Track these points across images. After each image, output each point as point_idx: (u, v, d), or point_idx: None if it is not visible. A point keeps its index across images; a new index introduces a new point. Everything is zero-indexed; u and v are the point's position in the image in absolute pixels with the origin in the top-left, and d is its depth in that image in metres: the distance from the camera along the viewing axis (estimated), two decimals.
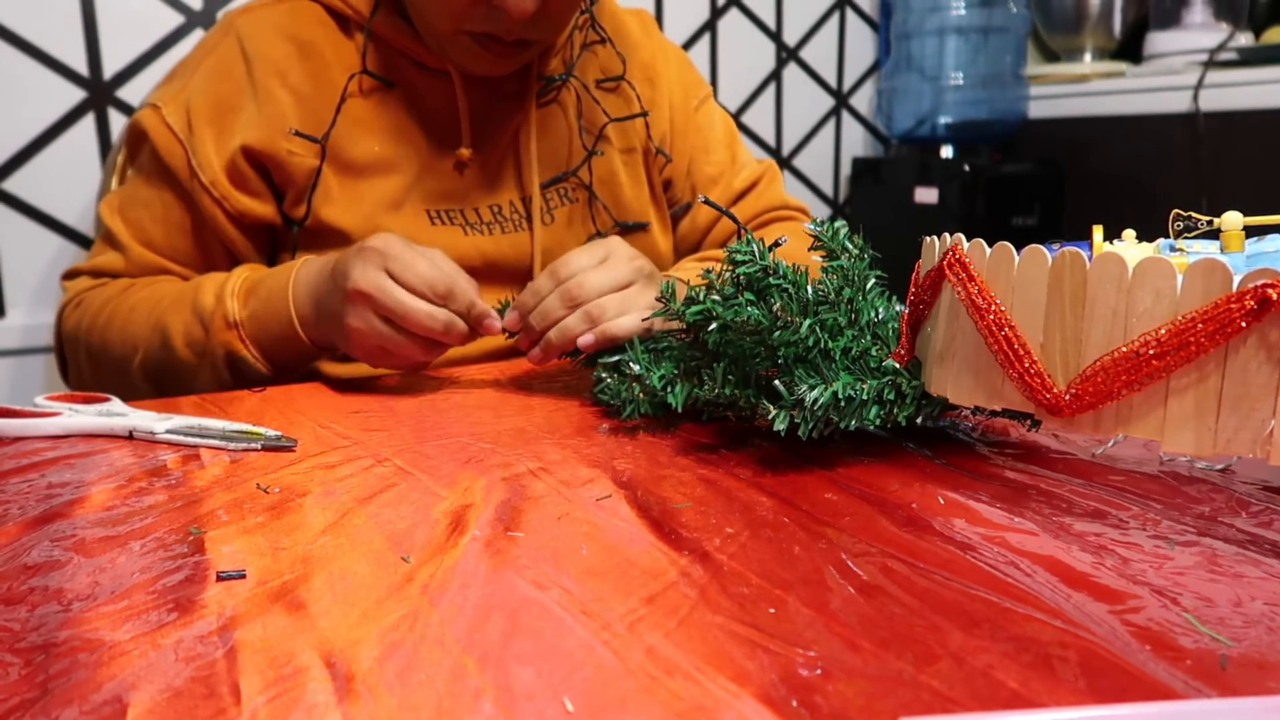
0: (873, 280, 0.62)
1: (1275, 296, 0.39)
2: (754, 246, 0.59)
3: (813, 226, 0.63)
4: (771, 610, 0.38)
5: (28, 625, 0.38)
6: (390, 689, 0.33)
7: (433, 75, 0.91)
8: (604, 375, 0.69)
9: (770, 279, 0.57)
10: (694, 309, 0.59)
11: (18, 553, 0.45)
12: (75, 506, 0.50)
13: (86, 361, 0.90)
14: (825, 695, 0.32)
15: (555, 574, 0.42)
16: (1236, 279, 0.40)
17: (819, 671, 0.34)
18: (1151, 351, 0.42)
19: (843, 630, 0.37)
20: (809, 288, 0.58)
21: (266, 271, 0.83)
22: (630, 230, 1.01)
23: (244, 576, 0.42)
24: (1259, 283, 0.40)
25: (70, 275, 0.95)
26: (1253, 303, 0.40)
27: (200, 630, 0.37)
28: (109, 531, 0.47)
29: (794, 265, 0.58)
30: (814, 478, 0.53)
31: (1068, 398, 0.45)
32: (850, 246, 0.63)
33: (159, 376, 0.85)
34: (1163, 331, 0.42)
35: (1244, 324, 0.40)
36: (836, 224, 0.64)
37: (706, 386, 0.60)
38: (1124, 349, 0.43)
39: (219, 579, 0.42)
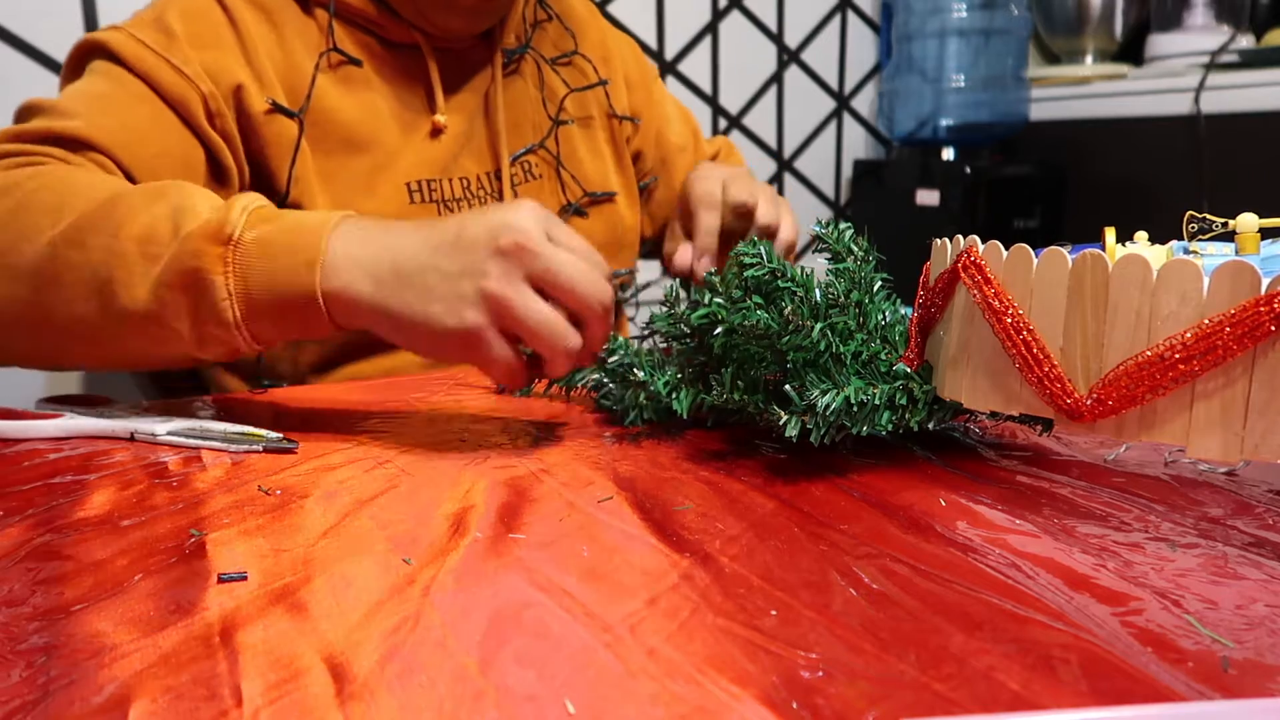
0: (879, 283, 0.61)
1: None
2: (761, 249, 0.58)
3: (817, 228, 0.63)
4: (773, 612, 0.38)
5: (29, 627, 0.38)
6: (391, 691, 0.33)
7: (397, 51, 0.90)
8: (606, 381, 0.68)
9: (779, 282, 0.57)
10: (699, 313, 0.59)
11: (19, 555, 0.45)
12: (76, 508, 0.50)
13: None
14: (827, 697, 0.32)
15: (556, 576, 0.42)
16: (1265, 282, 0.40)
17: (820, 673, 0.34)
18: (1177, 355, 0.41)
19: (844, 632, 0.36)
20: (818, 291, 0.57)
21: (293, 211, 0.63)
22: (599, 200, 1.03)
23: (245, 578, 0.42)
24: None
25: None
26: None
27: (201, 632, 0.37)
28: (110, 533, 0.47)
29: (802, 268, 0.58)
30: (816, 480, 0.53)
31: (1089, 402, 0.44)
32: (855, 249, 0.62)
33: (60, 272, 0.61)
34: (1189, 335, 0.41)
35: (1273, 327, 0.39)
36: (841, 226, 0.63)
37: (715, 392, 0.59)
38: (1148, 353, 0.42)
39: (220, 581, 0.42)
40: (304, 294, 0.58)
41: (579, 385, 0.71)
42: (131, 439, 0.63)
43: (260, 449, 0.60)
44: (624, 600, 0.39)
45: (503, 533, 0.46)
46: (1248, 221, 0.50)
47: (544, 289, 0.56)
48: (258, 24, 0.84)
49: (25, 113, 0.76)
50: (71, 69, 0.81)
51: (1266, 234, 0.51)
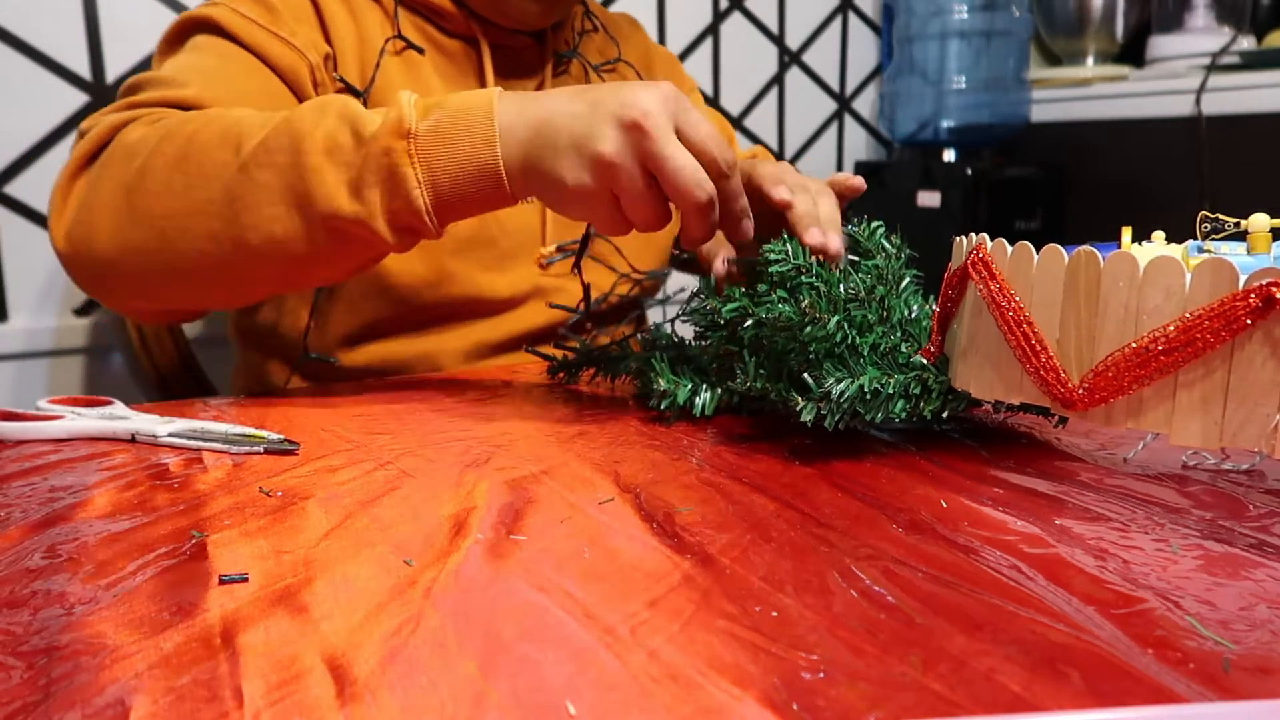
0: (908, 279, 0.65)
1: (1279, 295, 0.40)
2: (788, 246, 0.62)
3: (851, 229, 0.65)
4: (774, 614, 0.38)
5: (30, 629, 0.38)
6: (393, 692, 0.33)
7: (455, 43, 0.91)
8: (648, 370, 0.71)
9: (802, 278, 0.60)
10: (731, 305, 0.62)
11: (20, 556, 0.45)
12: (78, 510, 0.50)
13: (129, 179, 0.66)
14: (828, 699, 0.32)
15: (557, 577, 0.42)
16: (1243, 278, 0.41)
17: (821, 675, 0.34)
18: (1160, 347, 0.43)
19: (845, 634, 0.36)
20: (841, 286, 0.61)
21: (447, 94, 0.65)
22: None
23: (246, 580, 0.42)
24: (1264, 281, 0.41)
25: (104, 114, 0.73)
26: (1258, 301, 0.41)
27: (202, 634, 0.37)
28: (111, 535, 0.47)
29: (827, 265, 0.61)
30: (817, 482, 0.53)
31: (1081, 391, 0.47)
32: (887, 246, 0.65)
33: (254, 194, 0.63)
34: (1171, 328, 0.43)
35: (1249, 321, 0.41)
36: (873, 225, 0.66)
37: (739, 379, 0.62)
38: (1134, 345, 0.44)
39: (221, 582, 0.42)
40: (488, 169, 0.63)
41: (622, 374, 0.75)
42: (133, 440, 0.63)
43: (261, 450, 0.60)
44: (625, 602, 0.39)
45: (504, 534, 0.46)
46: (1260, 221, 0.51)
47: (650, 172, 0.60)
48: (335, 2, 0.85)
49: (133, 88, 0.76)
50: (170, 44, 0.82)
51: (1278, 234, 0.52)
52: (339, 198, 0.62)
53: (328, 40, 0.84)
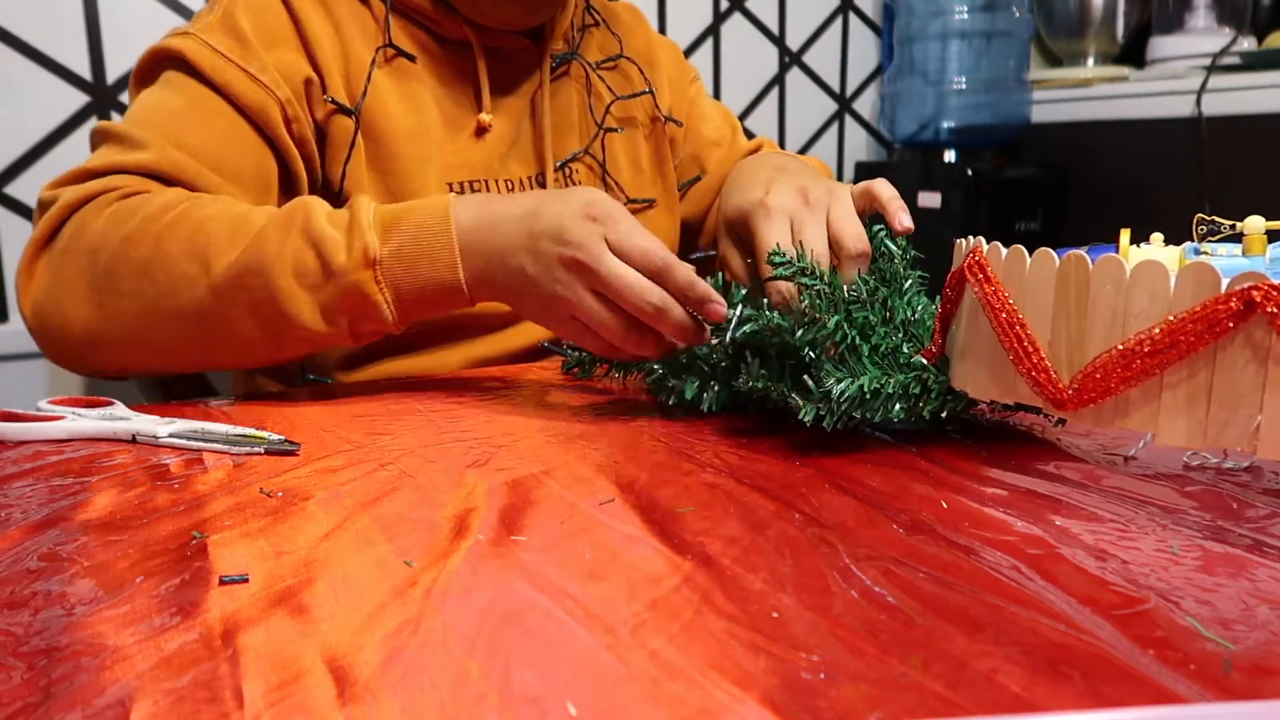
0: (911, 280, 0.66)
1: (1259, 298, 0.41)
2: (791, 250, 0.63)
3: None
4: (774, 614, 0.38)
5: (31, 629, 0.38)
6: (393, 693, 0.33)
7: (450, 47, 0.90)
8: (656, 367, 0.71)
9: (805, 279, 0.62)
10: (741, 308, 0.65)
11: (21, 557, 0.45)
12: (78, 510, 0.50)
13: (95, 277, 0.70)
14: (828, 699, 0.32)
15: (558, 578, 0.42)
16: (1224, 282, 0.42)
17: (822, 675, 0.34)
18: (1146, 349, 0.44)
19: (846, 634, 0.36)
20: (844, 289, 0.62)
21: (402, 205, 0.70)
22: (639, 208, 1.02)
23: (247, 581, 0.42)
24: (1245, 285, 0.41)
25: (62, 183, 0.75)
26: (1239, 304, 0.42)
27: (203, 635, 0.37)
28: (112, 535, 0.47)
29: (833, 266, 0.62)
30: (817, 482, 0.53)
31: (1070, 392, 0.48)
32: (891, 247, 0.66)
33: (227, 310, 0.69)
34: (1156, 331, 0.44)
35: (1231, 324, 0.42)
36: (874, 228, 0.66)
37: (741, 379, 0.63)
38: (1120, 347, 0.45)
39: (222, 583, 0.42)
40: (452, 289, 0.70)
41: (635, 372, 0.75)
42: (133, 441, 0.63)
43: (262, 451, 0.60)
44: (626, 602, 0.39)
45: (504, 535, 0.46)
46: (1255, 224, 0.52)
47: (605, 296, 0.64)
48: (316, 16, 0.84)
49: (97, 136, 0.79)
50: (144, 77, 0.83)
51: (1273, 236, 0.53)
52: (311, 319, 0.69)
53: (312, 60, 0.82)
